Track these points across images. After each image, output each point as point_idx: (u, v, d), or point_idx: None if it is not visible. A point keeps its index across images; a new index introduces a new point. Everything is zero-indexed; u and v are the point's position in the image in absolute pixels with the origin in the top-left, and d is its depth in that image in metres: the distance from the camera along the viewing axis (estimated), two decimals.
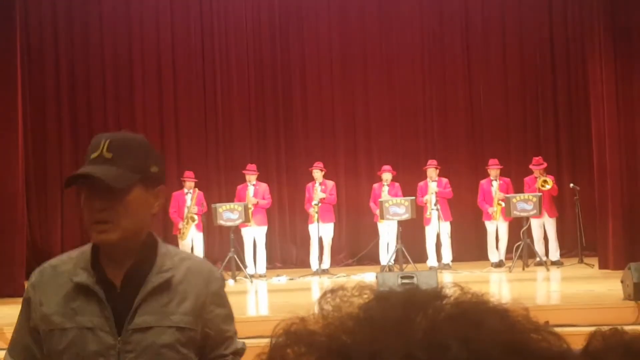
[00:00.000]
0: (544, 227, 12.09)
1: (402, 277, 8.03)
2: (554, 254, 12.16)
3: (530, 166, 12.14)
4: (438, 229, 12.06)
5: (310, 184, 12.31)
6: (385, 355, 0.59)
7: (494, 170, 12.20)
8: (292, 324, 0.68)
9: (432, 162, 12.29)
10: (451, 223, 12.19)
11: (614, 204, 11.10)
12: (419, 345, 0.59)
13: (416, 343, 0.59)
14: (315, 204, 12.08)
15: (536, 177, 12.02)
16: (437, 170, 12.24)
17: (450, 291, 0.64)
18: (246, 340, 8.04)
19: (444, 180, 12.27)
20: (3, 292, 10.66)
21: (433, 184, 12.13)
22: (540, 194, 11.65)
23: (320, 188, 12.17)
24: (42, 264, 2.31)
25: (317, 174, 12.22)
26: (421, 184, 12.23)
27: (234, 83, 13.69)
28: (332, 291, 0.68)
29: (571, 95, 13.53)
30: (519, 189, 12.09)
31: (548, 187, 11.86)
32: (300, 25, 13.67)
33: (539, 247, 12.01)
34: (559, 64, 13.61)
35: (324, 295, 0.67)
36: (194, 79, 13.64)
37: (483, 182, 12.30)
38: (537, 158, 12.24)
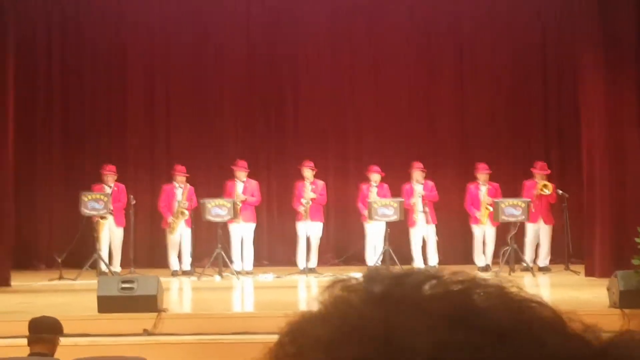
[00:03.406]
0: (538, 233, 12.09)
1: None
2: (543, 260, 12.17)
3: (533, 170, 12.13)
4: (424, 232, 12.09)
5: (300, 182, 12.30)
6: None
7: (482, 175, 12.21)
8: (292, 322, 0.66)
9: (419, 165, 12.29)
10: (436, 226, 12.20)
11: (602, 212, 11.15)
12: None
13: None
14: (306, 202, 12.07)
15: (536, 182, 12.03)
16: (424, 173, 12.24)
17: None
18: (231, 337, 8.04)
19: (430, 183, 12.28)
20: None
21: (419, 187, 12.15)
22: (529, 200, 11.67)
23: (310, 187, 12.17)
24: None
25: (308, 172, 12.21)
26: (406, 186, 12.24)
27: (225, 79, 13.67)
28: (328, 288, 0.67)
29: (561, 102, 13.57)
30: (507, 194, 12.11)
31: (547, 192, 11.87)
32: (293, 23, 13.65)
33: (528, 252, 12.03)
34: (549, 70, 13.65)
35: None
36: (186, 73, 13.61)
37: (471, 185, 12.31)
38: (541, 163, 12.21)
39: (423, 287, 0.62)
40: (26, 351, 5.70)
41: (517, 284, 0.64)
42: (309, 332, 0.63)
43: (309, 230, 12.17)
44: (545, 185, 11.89)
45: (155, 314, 8.18)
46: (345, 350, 0.58)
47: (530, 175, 12.21)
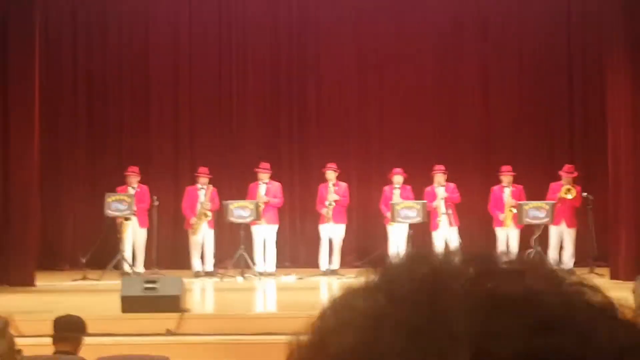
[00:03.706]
0: (561, 236, 12.01)
1: None
2: (567, 263, 12.07)
3: (561, 172, 12.02)
4: (446, 234, 12.03)
5: (322, 185, 12.31)
6: None
7: (506, 177, 12.14)
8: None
9: (440, 168, 12.23)
10: (459, 228, 12.14)
11: (628, 214, 11.06)
12: None
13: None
14: (329, 204, 12.07)
15: (562, 185, 11.94)
16: (445, 176, 12.18)
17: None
18: (253, 337, 8.04)
19: (451, 185, 12.21)
20: (14, 281, 10.73)
21: (441, 189, 12.09)
22: (554, 202, 11.60)
23: (334, 189, 12.16)
24: None
25: (331, 174, 12.21)
26: (428, 189, 12.18)
27: (249, 81, 13.71)
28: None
29: (587, 103, 13.47)
30: (532, 196, 12.03)
31: (570, 196, 11.77)
32: (317, 27, 13.67)
33: (552, 255, 11.94)
34: (575, 71, 13.55)
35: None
36: (210, 75, 13.67)
37: (495, 188, 12.25)
38: (569, 166, 12.10)
39: (469, 267, 0.60)
40: (51, 350, 5.74)
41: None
42: (354, 304, 0.60)
43: (332, 232, 12.17)
44: (568, 190, 11.80)
45: (178, 314, 8.21)
46: (392, 320, 0.57)
47: (557, 178, 12.11)
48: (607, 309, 0.59)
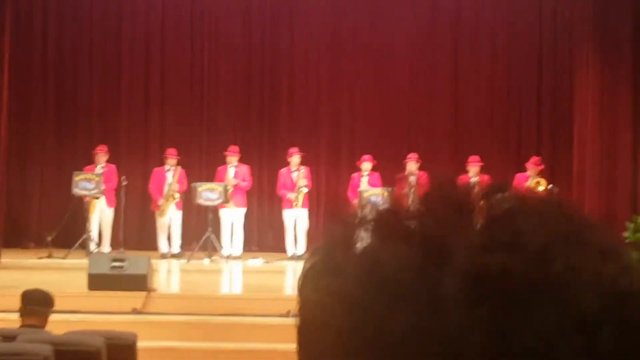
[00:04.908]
0: None
1: None
2: None
3: (527, 164, 12.15)
4: None
5: (284, 170, 12.32)
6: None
7: (473, 167, 12.23)
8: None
9: (413, 156, 12.31)
10: None
11: (591, 210, 11.24)
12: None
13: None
14: (300, 190, 12.09)
15: (529, 176, 12.07)
16: (418, 164, 12.27)
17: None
18: (218, 318, 8.09)
19: (423, 175, 12.30)
20: None
21: (412, 178, 12.17)
22: None
23: (302, 173, 12.19)
24: None
25: (296, 159, 12.21)
26: (399, 176, 12.26)
27: (221, 65, 13.68)
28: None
29: (556, 99, 13.62)
30: None
31: (541, 188, 11.94)
32: (292, 11, 13.68)
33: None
34: (545, 67, 13.69)
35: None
36: (182, 57, 13.62)
37: (461, 177, 12.32)
38: (536, 158, 12.22)
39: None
40: (17, 324, 5.74)
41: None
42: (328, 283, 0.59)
43: (296, 217, 12.21)
44: (538, 182, 11.96)
45: (145, 293, 8.23)
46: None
47: (522, 169, 12.26)
48: (616, 250, 0.58)
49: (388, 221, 0.60)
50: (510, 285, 0.54)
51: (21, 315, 5.64)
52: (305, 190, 12.15)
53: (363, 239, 0.59)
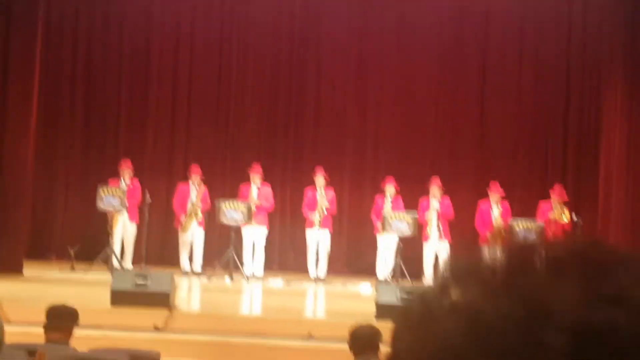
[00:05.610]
0: None
1: (402, 291, 8.08)
2: None
3: (551, 192, 12.02)
4: (437, 247, 12.07)
5: (310, 188, 12.33)
6: None
7: (495, 195, 12.14)
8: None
9: (436, 181, 12.30)
10: (450, 244, 12.19)
11: (616, 240, 11.14)
12: None
13: None
14: (321, 210, 12.09)
15: (552, 205, 11.94)
16: (441, 190, 12.24)
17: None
18: (238, 338, 8.06)
19: (446, 200, 12.27)
20: (2, 268, 10.67)
21: (435, 202, 12.15)
22: (543, 224, 11.65)
23: (324, 194, 12.20)
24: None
25: (321, 180, 12.22)
26: (423, 201, 12.24)
27: (248, 82, 13.74)
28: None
29: (582, 129, 13.52)
30: (520, 212, 12.08)
31: (565, 220, 11.82)
32: (319, 32, 13.73)
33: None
34: (573, 94, 13.61)
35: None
36: (210, 74, 13.69)
37: (482, 204, 12.24)
38: (560, 189, 12.02)
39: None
40: (41, 338, 5.75)
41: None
42: (432, 326, 0.59)
43: (318, 238, 12.20)
44: (562, 212, 11.83)
45: (167, 310, 8.23)
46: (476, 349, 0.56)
47: (546, 195, 12.14)
48: None
49: (486, 274, 0.60)
50: (617, 340, 0.54)
51: (46, 331, 5.65)
52: (324, 211, 12.12)
53: (459, 291, 0.60)
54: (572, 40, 13.53)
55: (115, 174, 12.23)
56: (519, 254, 0.61)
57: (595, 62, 12.94)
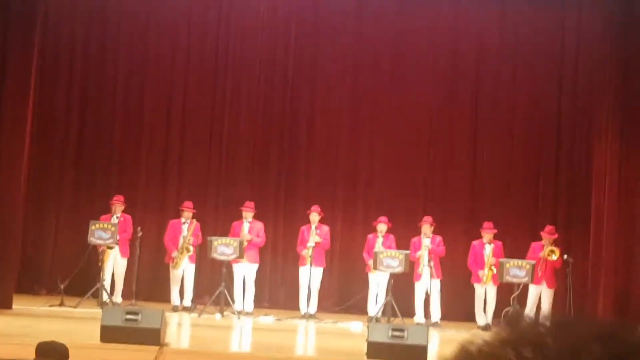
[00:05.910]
0: (539, 296, 12.08)
1: (393, 330, 8.06)
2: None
3: (542, 233, 12.14)
4: (428, 286, 12.06)
5: (305, 227, 12.37)
6: None
7: (487, 234, 12.23)
8: None
9: (428, 219, 12.35)
10: (441, 281, 12.20)
11: (607, 282, 11.16)
12: None
13: None
14: (311, 246, 12.11)
15: (543, 245, 12.04)
16: (432, 227, 12.29)
17: None
18: None
19: (438, 238, 12.31)
20: None
21: (427, 240, 12.18)
22: (534, 262, 11.69)
23: (316, 231, 12.22)
24: None
25: (315, 217, 12.27)
26: (415, 239, 12.27)
27: (241, 121, 13.78)
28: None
29: (573, 168, 13.60)
30: (512, 252, 12.17)
31: (554, 257, 11.88)
32: (313, 69, 13.81)
33: (528, 314, 11.97)
34: (564, 136, 13.69)
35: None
36: (203, 111, 13.74)
37: (475, 243, 12.31)
38: (550, 227, 12.21)
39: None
40: None
41: None
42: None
43: (310, 275, 12.18)
44: (552, 251, 11.90)
45: (157, 347, 8.18)
46: None
47: (537, 237, 12.24)
48: None
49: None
50: None
51: None
52: (312, 245, 12.11)
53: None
54: (563, 83, 13.66)
55: (107, 211, 12.22)
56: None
57: (587, 105, 13.05)
